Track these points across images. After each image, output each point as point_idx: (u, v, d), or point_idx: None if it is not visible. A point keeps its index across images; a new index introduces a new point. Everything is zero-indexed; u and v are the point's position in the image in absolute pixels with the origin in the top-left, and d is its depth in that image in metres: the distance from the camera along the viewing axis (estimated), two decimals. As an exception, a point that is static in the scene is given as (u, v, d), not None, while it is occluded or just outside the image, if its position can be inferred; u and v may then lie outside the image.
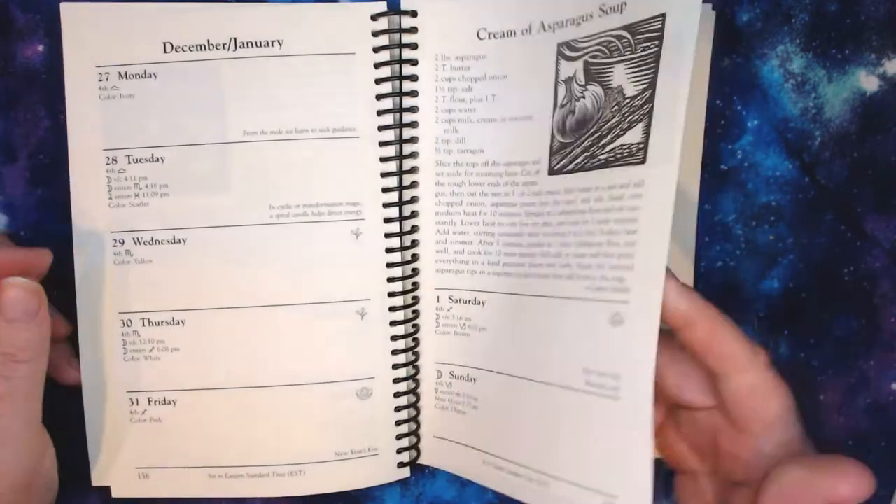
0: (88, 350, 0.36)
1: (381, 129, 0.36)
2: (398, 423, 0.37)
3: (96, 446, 0.37)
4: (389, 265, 0.36)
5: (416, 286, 0.37)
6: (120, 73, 0.35)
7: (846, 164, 0.37)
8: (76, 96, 0.35)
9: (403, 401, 0.37)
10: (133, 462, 0.37)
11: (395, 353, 0.37)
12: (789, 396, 0.30)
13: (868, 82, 0.36)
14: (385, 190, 0.36)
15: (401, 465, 0.38)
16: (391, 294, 0.37)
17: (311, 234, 0.36)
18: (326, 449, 0.37)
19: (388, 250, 0.36)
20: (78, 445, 0.37)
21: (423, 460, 0.38)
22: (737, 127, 0.37)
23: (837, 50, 0.36)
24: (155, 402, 0.36)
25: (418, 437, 0.38)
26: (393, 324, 0.37)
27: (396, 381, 0.37)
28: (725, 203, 0.37)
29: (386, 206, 0.36)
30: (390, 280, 0.36)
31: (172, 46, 0.35)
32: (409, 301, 0.37)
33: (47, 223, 0.36)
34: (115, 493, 0.37)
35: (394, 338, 0.37)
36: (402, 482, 0.39)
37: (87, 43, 0.35)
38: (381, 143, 0.36)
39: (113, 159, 0.35)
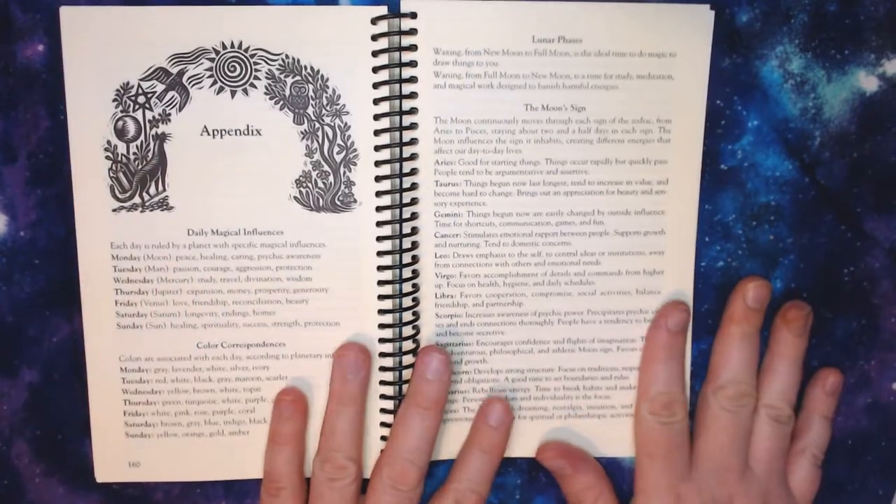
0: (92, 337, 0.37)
1: (377, 132, 0.35)
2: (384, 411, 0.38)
3: (99, 439, 0.37)
4: (381, 268, 0.36)
5: (416, 302, 0.37)
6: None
7: (846, 164, 0.37)
8: (78, 99, 0.35)
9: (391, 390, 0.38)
10: (126, 447, 0.37)
11: (382, 341, 0.37)
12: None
13: (868, 82, 0.36)
14: (379, 193, 0.36)
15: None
16: (381, 297, 0.37)
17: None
18: None
19: (380, 253, 0.36)
20: (78, 443, 0.37)
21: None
22: (737, 127, 0.37)
23: (837, 50, 0.36)
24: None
25: None
26: (382, 320, 0.37)
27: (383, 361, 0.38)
28: (725, 203, 0.37)
29: (379, 209, 0.36)
30: (381, 283, 0.36)
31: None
32: (411, 303, 0.37)
33: (47, 223, 0.36)
34: (102, 479, 0.38)
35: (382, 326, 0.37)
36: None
37: (87, 46, 0.34)
38: (377, 147, 0.36)
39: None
